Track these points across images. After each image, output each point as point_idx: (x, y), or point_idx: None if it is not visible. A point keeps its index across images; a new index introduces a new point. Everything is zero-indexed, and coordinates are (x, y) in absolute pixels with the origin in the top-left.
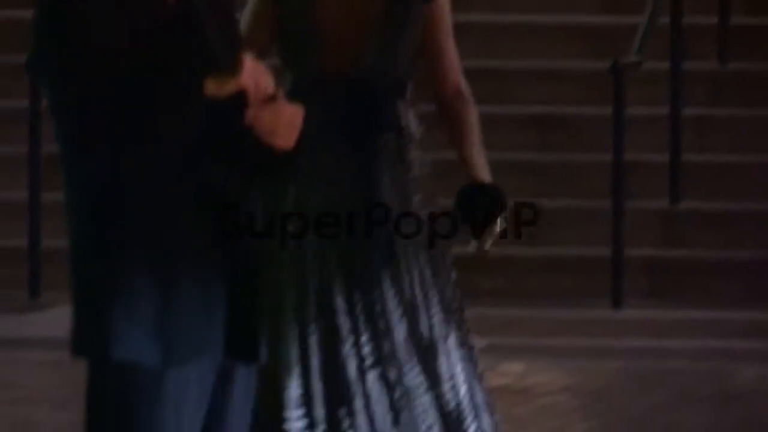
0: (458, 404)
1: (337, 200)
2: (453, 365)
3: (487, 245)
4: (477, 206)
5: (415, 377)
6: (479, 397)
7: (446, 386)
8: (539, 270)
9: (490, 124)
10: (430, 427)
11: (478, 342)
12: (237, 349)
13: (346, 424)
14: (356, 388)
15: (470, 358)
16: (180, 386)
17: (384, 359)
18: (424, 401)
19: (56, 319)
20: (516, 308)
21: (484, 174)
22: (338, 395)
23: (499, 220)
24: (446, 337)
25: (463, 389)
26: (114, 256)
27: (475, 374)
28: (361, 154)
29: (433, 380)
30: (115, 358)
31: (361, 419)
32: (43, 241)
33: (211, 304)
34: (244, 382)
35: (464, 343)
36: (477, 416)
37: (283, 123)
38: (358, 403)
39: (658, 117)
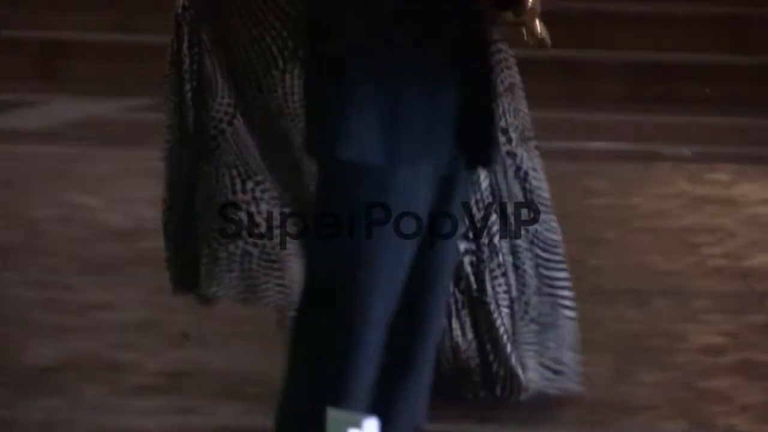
0: None
1: None
2: None
3: (539, 29)
4: None
5: None
6: None
7: None
8: (750, 78)
9: None
10: None
11: (685, 150)
12: (469, 153)
13: None
14: None
15: None
16: (406, 185)
17: None
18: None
19: None
20: (724, 117)
21: None
22: None
23: None
24: None
25: None
26: (344, 64)
27: None
28: None
29: None
30: (343, 156)
31: None
32: None
33: (437, 112)
34: (464, 186)
35: None
36: None
37: None
38: None
39: None
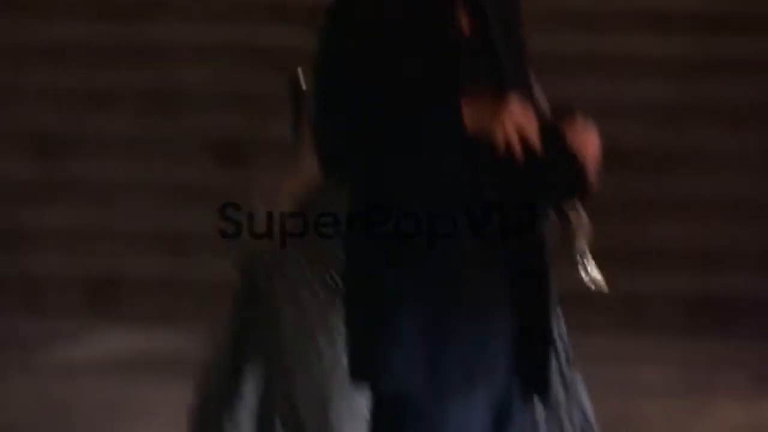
0: None
1: None
2: None
3: (591, 268)
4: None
5: None
6: None
7: None
8: None
9: None
10: None
11: (740, 379)
12: (525, 382)
13: None
14: None
15: None
16: (457, 419)
17: None
18: None
19: None
20: None
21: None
22: None
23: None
24: None
25: None
26: (387, 289)
27: None
28: None
29: None
30: (385, 389)
31: None
32: None
33: (487, 340)
34: (521, 418)
35: None
36: None
37: (584, 139)
38: None
39: None
